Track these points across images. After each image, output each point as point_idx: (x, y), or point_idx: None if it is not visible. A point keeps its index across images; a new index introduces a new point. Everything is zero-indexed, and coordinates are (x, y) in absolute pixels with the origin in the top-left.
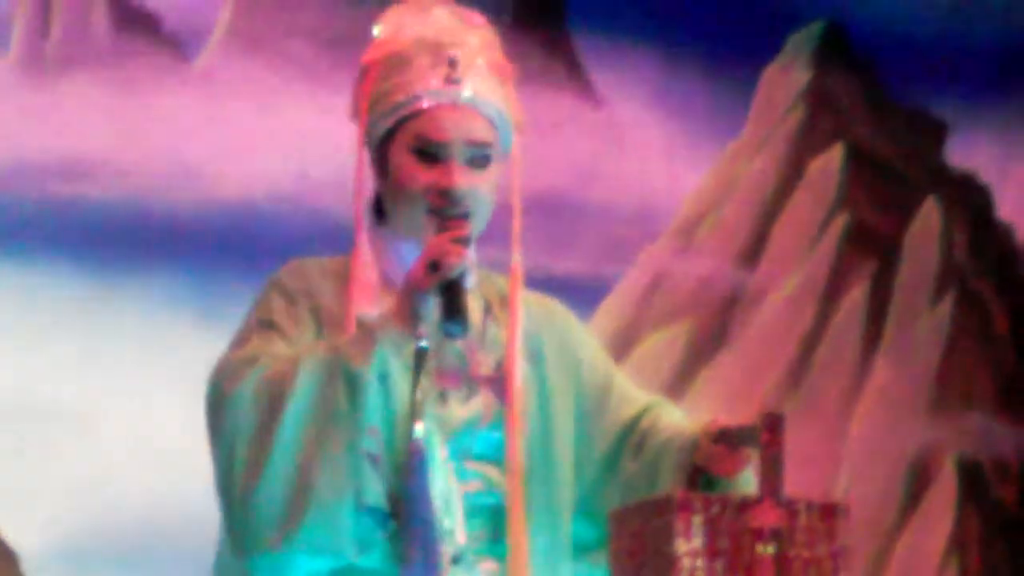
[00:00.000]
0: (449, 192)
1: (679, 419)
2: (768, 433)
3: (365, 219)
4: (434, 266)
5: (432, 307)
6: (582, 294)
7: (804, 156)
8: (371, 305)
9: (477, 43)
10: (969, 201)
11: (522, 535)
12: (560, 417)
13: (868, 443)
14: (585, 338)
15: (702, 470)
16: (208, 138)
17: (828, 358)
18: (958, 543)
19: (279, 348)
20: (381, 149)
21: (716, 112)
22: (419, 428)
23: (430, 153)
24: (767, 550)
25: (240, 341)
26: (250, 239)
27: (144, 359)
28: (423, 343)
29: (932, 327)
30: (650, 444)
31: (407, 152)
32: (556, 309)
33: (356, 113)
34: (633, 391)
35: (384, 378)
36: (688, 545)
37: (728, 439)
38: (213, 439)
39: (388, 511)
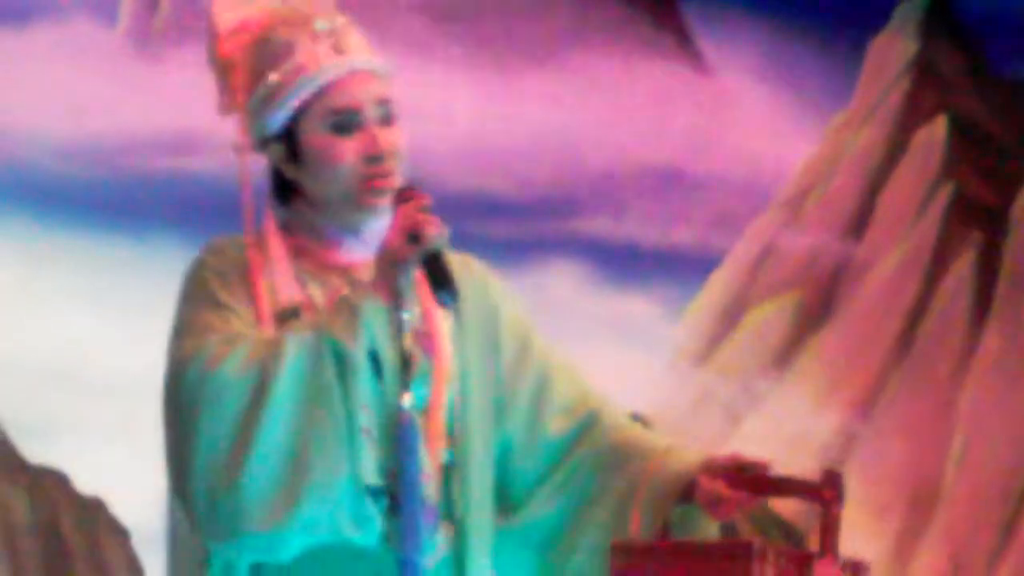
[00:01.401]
0: (378, 156)
1: (637, 429)
2: (831, 490)
3: (271, 203)
4: (413, 237)
5: (412, 278)
6: (694, 265)
7: (909, 128)
8: (294, 292)
9: (327, 5)
10: None
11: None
12: (478, 372)
13: (983, 412)
14: (505, 293)
15: (684, 502)
16: None
17: (936, 328)
18: None
19: (239, 326)
20: (287, 138)
21: (824, 83)
22: (407, 400)
23: (347, 124)
24: None
25: (197, 326)
26: None
27: None
28: (406, 313)
29: None
30: (612, 448)
31: (322, 131)
32: (474, 265)
33: (231, 108)
34: (565, 364)
35: (372, 353)
36: None
37: (774, 487)
38: (188, 425)
39: (381, 487)
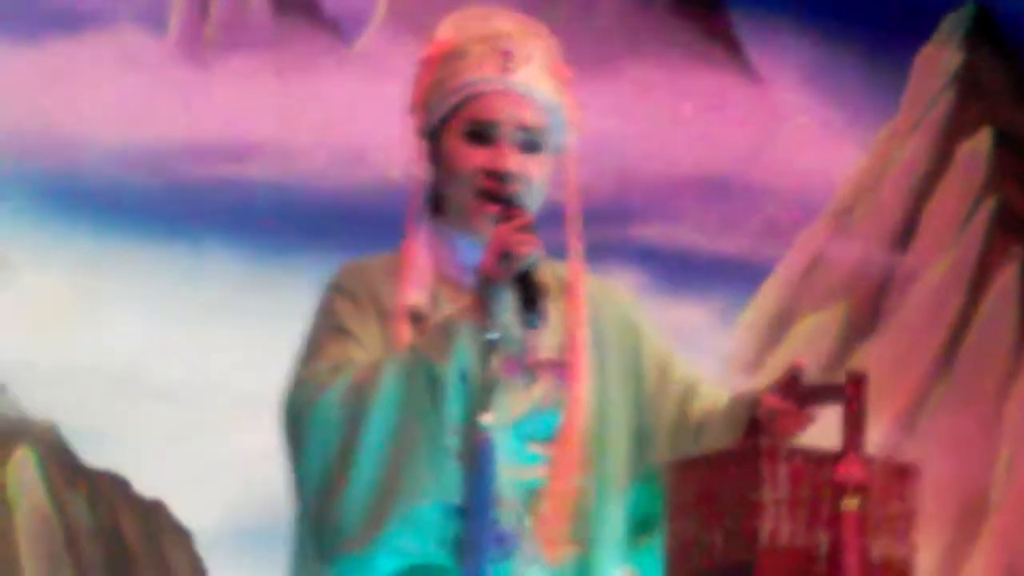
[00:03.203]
0: (501, 173)
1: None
2: (853, 389)
3: (421, 212)
4: (507, 257)
5: (507, 298)
6: (744, 274)
7: (954, 140)
8: (424, 299)
9: (534, 44)
10: None
11: (563, 509)
12: (617, 400)
13: None
14: (644, 319)
15: (757, 428)
16: (368, 120)
17: (981, 341)
18: None
19: (356, 353)
20: (434, 138)
21: (871, 94)
22: (487, 419)
23: (481, 134)
24: (851, 504)
25: (315, 350)
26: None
27: None
28: (493, 334)
29: None
30: (703, 410)
31: (459, 136)
32: (617, 292)
33: (413, 107)
34: (698, 375)
35: (464, 374)
36: (773, 494)
37: (808, 395)
38: (299, 448)
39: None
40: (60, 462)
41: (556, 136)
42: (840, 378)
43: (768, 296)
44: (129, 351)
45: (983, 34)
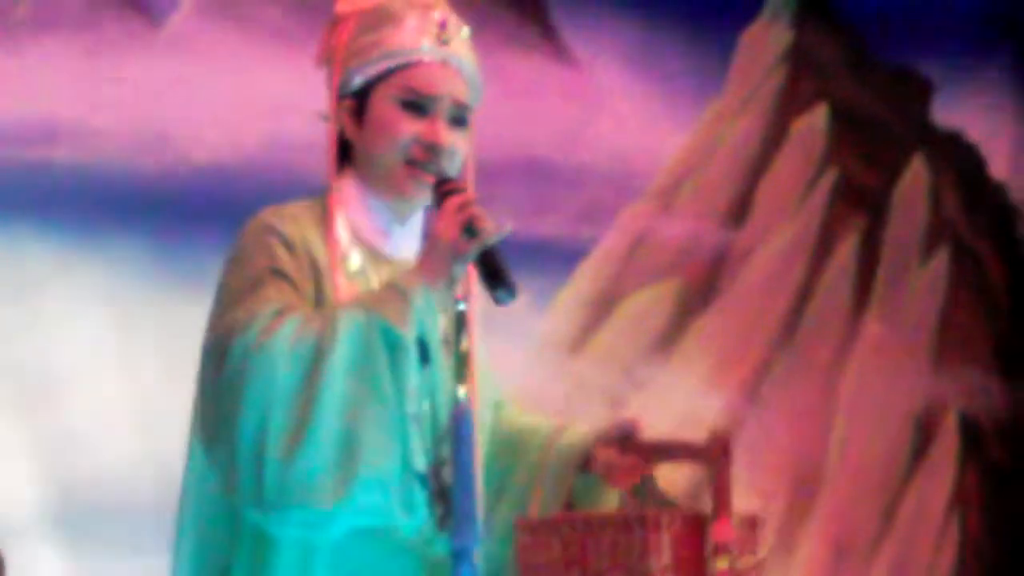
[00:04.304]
0: (434, 147)
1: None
2: (718, 451)
3: (331, 172)
4: (470, 231)
5: (465, 271)
6: (561, 256)
7: (787, 116)
8: (353, 253)
9: (456, 15)
10: (957, 158)
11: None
12: (484, 365)
13: (864, 398)
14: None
15: (583, 474)
16: (178, 103)
17: (819, 313)
18: (960, 500)
19: (294, 299)
20: (360, 98)
21: (696, 73)
22: (462, 391)
23: (418, 105)
24: (723, 563)
25: (253, 290)
26: (222, 204)
27: (113, 323)
28: (461, 305)
29: (925, 282)
30: (509, 437)
31: (392, 103)
32: None
33: (327, 61)
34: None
35: (422, 341)
36: (660, 562)
37: (660, 452)
38: (233, 389)
39: (424, 474)
40: None
41: (473, 111)
42: (697, 434)
43: (587, 277)
44: None
45: (812, 10)
